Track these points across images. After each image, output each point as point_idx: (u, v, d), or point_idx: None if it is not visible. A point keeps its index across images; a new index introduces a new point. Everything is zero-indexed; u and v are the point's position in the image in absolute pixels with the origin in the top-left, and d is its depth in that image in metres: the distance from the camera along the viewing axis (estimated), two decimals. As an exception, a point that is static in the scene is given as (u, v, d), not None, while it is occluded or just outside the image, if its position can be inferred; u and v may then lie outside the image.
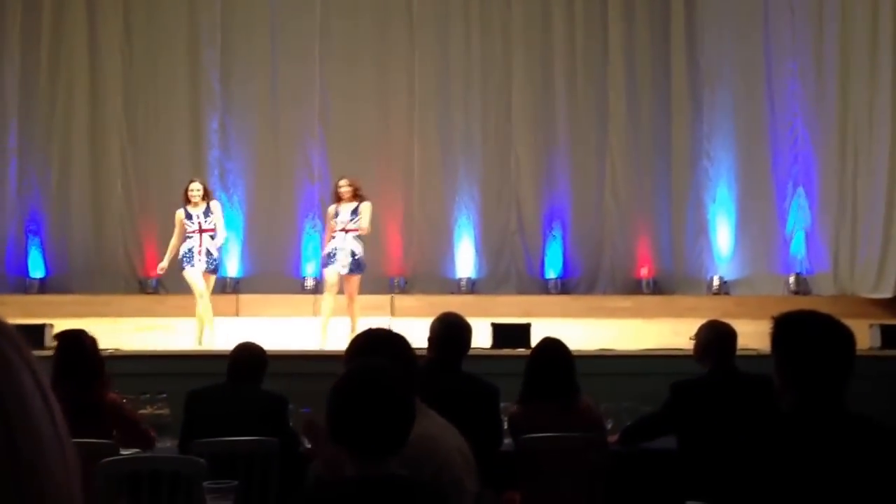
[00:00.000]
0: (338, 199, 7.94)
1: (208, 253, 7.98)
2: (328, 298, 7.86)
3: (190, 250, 7.95)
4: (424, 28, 9.98)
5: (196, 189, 8.05)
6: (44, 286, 9.58)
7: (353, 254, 7.84)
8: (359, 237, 7.88)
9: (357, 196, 7.94)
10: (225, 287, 9.56)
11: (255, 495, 4.17)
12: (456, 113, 9.96)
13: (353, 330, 7.51)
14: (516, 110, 9.95)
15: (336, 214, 7.92)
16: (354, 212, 7.88)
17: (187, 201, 8.04)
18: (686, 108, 9.88)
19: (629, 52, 9.96)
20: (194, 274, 7.91)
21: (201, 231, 8.00)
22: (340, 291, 7.86)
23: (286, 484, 4.26)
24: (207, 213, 8.05)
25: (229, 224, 9.78)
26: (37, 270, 9.65)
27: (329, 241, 7.97)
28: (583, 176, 9.91)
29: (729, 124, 9.80)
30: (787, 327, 2.43)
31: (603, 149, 9.93)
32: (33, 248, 9.68)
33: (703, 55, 9.86)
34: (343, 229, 7.87)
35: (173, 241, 8.08)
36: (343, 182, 7.94)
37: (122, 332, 7.88)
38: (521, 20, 9.99)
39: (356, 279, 7.88)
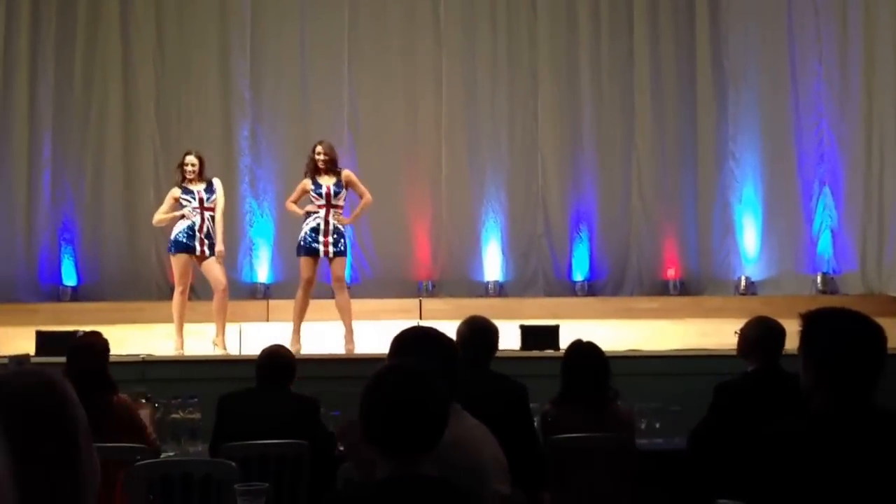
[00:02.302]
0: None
1: (209, 235, 7.61)
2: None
3: (191, 227, 7.58)
4: (451, 33, 10.02)
5: (192, 163, 7.64)
6: (76, 294, 9.70)
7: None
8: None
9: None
10: (255, 293, 9.66)
11: (285, 498, 4.22)
12: (483, 116, 10.00)
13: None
14: (542, 112, 9.98)
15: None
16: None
17: (182, 178, 7.66)
18: (711, 109, 9.86)
19: (654, 53, 9.96)
20: (211, 268, 7.61)
21: (203, 208, 7.62)
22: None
23: (318, 486, 4.30)
24: (210, 189, 7.70)
25: (259, 231, 9.89)
26: (70, 279, 9.77)
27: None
28: (609, 178, 9.92)
29: (754, 125, 9.77)
30: (817, 324, 2.39)
31: (629, 150, 9.92)
32: (66, 256, 9.80)
33: (728, 56, 9.84)
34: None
35: (164, 216, 7.68)
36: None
37: (155, 338, 7.97)
38: (546, 22, 10.01)
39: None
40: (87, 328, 7.77)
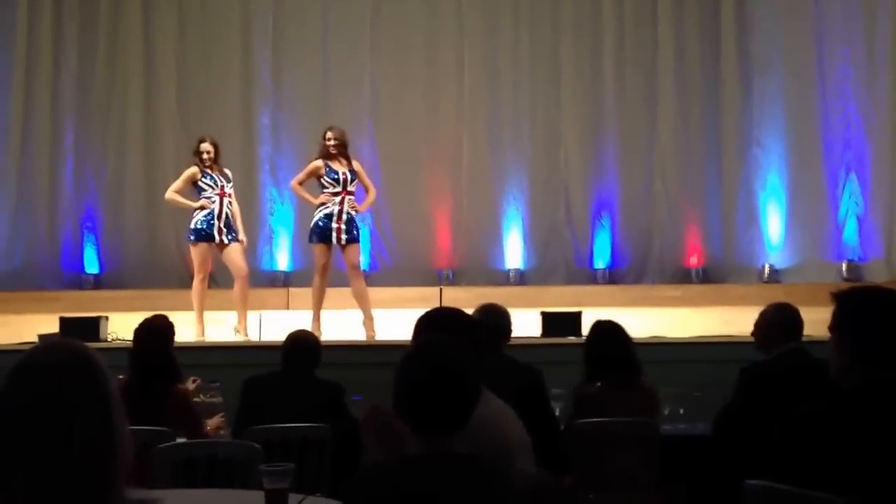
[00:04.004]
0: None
1: (227, 223, 7.60)
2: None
3: (210, 216, 7.57)
4: (473, 19, 9.98)
5: (208, 150, 7.60)
6: (98, 282, 9.74)
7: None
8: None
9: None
10: (275, 280, 9.67)
11: (308, 482, 4.21)
12: (505, 102, 9.96)
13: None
14: (565, 100, 9.92)
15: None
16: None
17: (202, 164, 7.61)
18: (736, 96, 9.77)
19: (678, 39, 9.88)
20: (233, 255, 7.61)
21: (223, 195, 7.61)
22: None
23: (342, 470, 4.30)
24: (227, 177, 7.71)
25: (279, 220, 9.89)
26: (92, 267, 9.81)
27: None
28: (631, 165, 9.85)
29: (780, 111, 9.68)
30: (853, 302, 2.36)
31: (652, 137, 9.86)
32: (88, 244, 9.84)
33: (753, 42, 9.74)
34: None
35: (178, 200, 7.65)
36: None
37: (176, 325, 7.93)
38: (570, 9, 9.94)
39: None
40: (109, 315, 7.86)
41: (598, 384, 4.55)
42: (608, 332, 4.65)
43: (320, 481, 4.28)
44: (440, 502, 2.04)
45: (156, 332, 4.56)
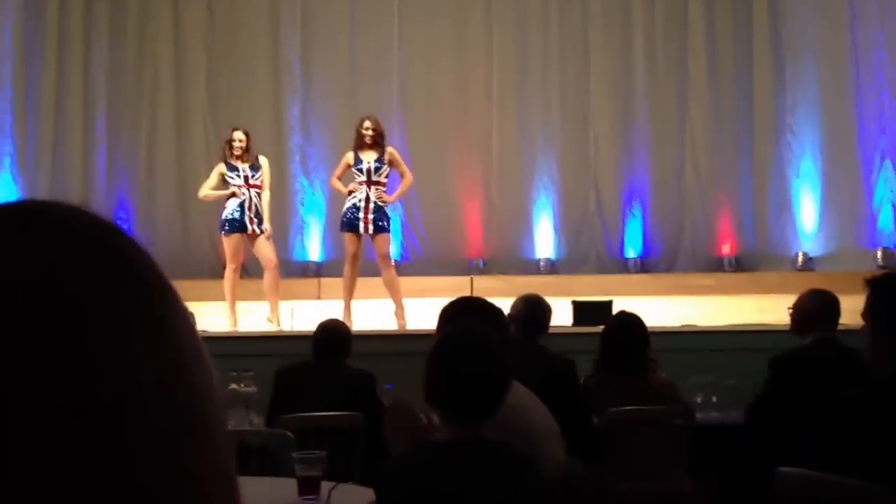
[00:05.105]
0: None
1: (258, 213, 7.60)
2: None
3: (241, 205, 7.59)
4: (502, 6, 9.95)
5: (240, 139, 7.61)
6: (132, 272, 9.81)
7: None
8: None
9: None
10: (306, 271, 9.70)
11: (339, 470, 4.23)
12: (534, 90, 9.92)
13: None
14: (594, 86, 9.87)
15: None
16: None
17: (231, 154, 7.65)
18: (768, 81, 9.67)
19: (709, 24, 9.79)
20: (261, 247, 7.63)
21: (248, 186, 7.62)
22: None
23: (373, 459, 4.32)
24: (255, 167, 7.70)
25: (310, 210, 9.93)
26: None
27: None
28: (662, 152, 9.79)
29: (813, 96, 9.58)
30: (884, 289, 2.34)
31: (683, 124, 9.79)
32: (122, 235, 9.91)
33: (786, 26, 9.64)
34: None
35: (211, 193, 7.69)
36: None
37: (209, 314, 8.03)
38: (599, -4, 9.89)
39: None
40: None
41: (606, 377, 4.51)
42: (622, 327, 4.61)
43: (352, 469, 4.30)
44: (471, 490, 2.05)
45: None
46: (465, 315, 2.79)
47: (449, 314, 2.84)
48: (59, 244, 0.55)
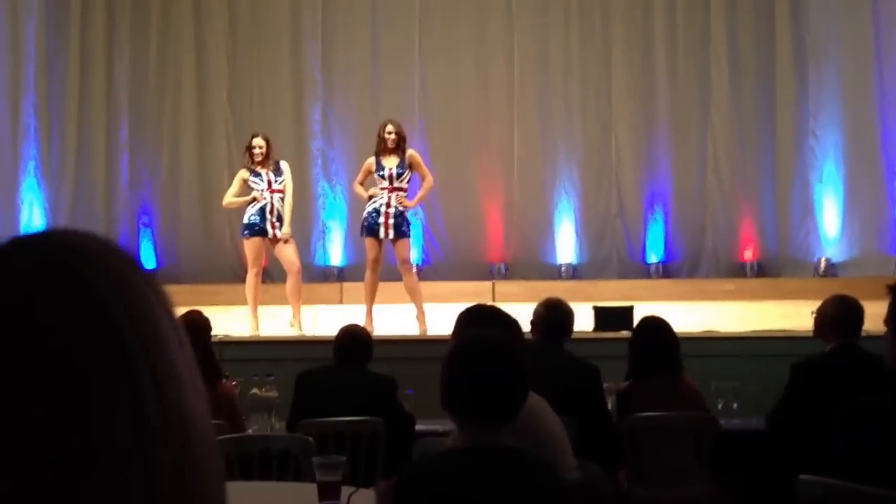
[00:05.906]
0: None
1: (279, 217, 7.63)
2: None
3: (261, 210, 7.63)
4: (523, 11, 9.94)
5: (259, 146, 7.65)
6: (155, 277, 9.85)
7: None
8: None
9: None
10: (328, 275, 9.73)
11: (361, 474, 4.25)
12: (556, 95, 9.91)
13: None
14: (616, 91, 9.85)
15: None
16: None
17: (252, 160, 7.69)
18: (791, 85, 9.62)
19: (731, 28, 9.74)
20: (284, 251, 7.65)
21: (272, 191, 7.65)
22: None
23: (395, 463, 4.33)
24: (278, 172, 7.73)
25: (332, 214, 9.96)
26: (148, 262, 9.94)
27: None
28: (684, 157, 9.75)
29: (836, 101, 9.52)
30: None
31: (705, 128, 9.75)
32: (145, 240, 9.98)
33: (809, 30, 9.58)
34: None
35: (234, 199, 7.75)
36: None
37: (232, 319, 8.06)
38: (620, -2, 9.88)
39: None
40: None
41: (642, 385, 4.49)
42: (653, 331, 4.59)
43: (373, 474, 4.31)
44: (492, 497, 2.05)
45: (189, 326, 4.54)
46: (479, 323, 2.79)
47: (463, 322, 2.85)
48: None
